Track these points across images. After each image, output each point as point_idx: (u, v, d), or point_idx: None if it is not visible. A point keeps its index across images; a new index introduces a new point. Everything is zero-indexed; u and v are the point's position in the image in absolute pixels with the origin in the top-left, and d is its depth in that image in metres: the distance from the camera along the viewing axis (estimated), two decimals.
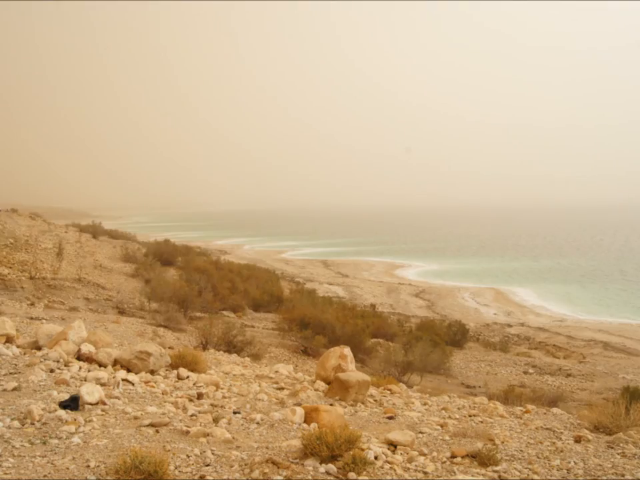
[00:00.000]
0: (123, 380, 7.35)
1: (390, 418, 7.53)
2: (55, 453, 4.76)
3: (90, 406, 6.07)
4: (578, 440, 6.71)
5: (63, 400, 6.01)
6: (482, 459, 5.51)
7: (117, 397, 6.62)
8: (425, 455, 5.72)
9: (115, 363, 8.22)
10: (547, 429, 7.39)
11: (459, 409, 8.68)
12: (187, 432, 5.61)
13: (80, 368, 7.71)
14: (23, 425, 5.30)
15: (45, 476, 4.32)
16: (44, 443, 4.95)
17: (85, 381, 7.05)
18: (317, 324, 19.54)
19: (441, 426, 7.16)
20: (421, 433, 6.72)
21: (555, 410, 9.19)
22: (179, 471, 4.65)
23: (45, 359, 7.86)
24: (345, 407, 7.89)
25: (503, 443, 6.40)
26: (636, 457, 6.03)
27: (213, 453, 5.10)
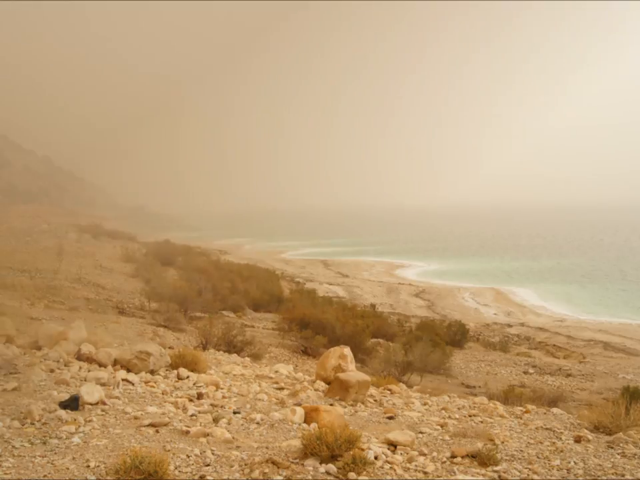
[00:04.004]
0: (122, 380, 7.35)
1: (390, 418, 7.53)
2: (55, 453, 4.76)
3: (90, 406, 6.07)
4: (578, 440, 6.71)
5: (63, 400, 6.01)
6: (482, 459, 5.50)
7: (116, 397, 6.62)
8: (425, 454, 5.72)
9: (115, 363, 8.22)
10: (547, 428, 7.38)
11: (459, 408, 8.68)
12: (187, 432, 5.61)
13: (80, 368, 7.71)
14: (23, 425, 5.30)
15: (44, 476, 4.33)
16: (44, 443, 4.95)
17: (85, 380, 7.05)
18: (316, 324, 19.53)
19: (441, 426, 7.16)
20: (421, 433, 6.71)
21: (554, 410, 9.18)
22: (179, 471, 4.66)
23: (45, 359, 7.87)
24: (345, 407, 7.88)
25: (503, 443, 6.39)
26: (636, 456, 6.03)
27: (213, 453, 5.10)
